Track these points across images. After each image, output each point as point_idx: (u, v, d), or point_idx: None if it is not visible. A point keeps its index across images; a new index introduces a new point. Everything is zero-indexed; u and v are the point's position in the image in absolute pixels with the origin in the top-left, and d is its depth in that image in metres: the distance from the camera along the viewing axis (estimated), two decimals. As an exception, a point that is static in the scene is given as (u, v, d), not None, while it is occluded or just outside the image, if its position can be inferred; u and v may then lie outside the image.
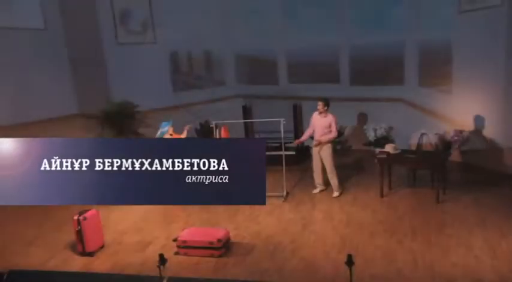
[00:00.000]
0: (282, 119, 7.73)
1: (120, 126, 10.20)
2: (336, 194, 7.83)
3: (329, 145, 7.63)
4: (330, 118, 7.56)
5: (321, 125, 7.60)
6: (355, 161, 10.07)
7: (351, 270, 4.36)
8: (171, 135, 7.76)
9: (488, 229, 6.41)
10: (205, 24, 11.17)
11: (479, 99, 8.84)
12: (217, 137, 7.86)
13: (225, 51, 11.48)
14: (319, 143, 7.65)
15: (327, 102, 7.58)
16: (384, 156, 7.75)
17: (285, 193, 7.99)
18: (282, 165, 7.97)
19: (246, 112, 10.83)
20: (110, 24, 10.23)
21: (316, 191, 8.04)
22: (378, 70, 10.62)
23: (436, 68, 9.88)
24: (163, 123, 7.76)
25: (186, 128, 7.86)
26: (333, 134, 7.57)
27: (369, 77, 10.71)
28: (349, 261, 4.33)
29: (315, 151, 7.79)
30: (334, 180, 7.81)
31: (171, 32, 10.86)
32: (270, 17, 11.11)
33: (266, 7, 11.07)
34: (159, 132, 7.66)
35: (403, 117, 10.22)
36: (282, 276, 5.58)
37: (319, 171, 7.91)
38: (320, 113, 7.61)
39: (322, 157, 7.70)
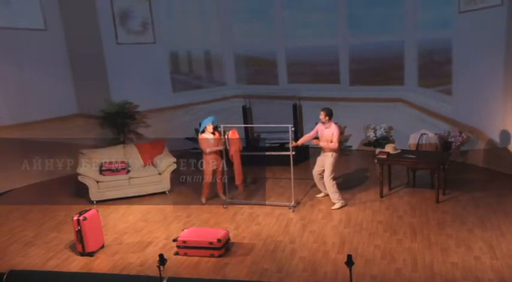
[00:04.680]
0: (290, 125, 7.54)
1: (120, 126, 10.23)
2: (335, 206, 7.44)
3: (332, 154, 7.35)
4: (332, 129, 7.28)
5: (323, 135, 7.38)
6: (355, 161, 10.08)
7: (350, 270, 4.37)
8: (213, 133, 7.72)
9: (488, 229, 6.42)
10: (205, 24, 11.18)
11: (479, 99, 8.84)
12: (226, 140, 7.59)
13: (225, 51, 11.48)
14: (296, 145, 7.60)
15: (328, 112, 7.30)
16: (384, 156, 7.75)
17: (293, 203, 7.67)
18: (288, 170, 7.70)
19: (246, 112, 10.83)
20: (110, 24, 10.23)
21: (319, 195, 7.91)
22: (378, 70, 10.62)
23: (436, 68, 9.89)
24: (206, 120, 7.80)
25: (233, 131, 7.71)
26: (333, 144, 7.26)
27: (369, 77, 10.71)
28: (349, 261, 4.33)
29: (319, 158, 7.62)
30: (330, 191, 7.46)
31: (171, 32, 10.86)
32: (270, 16, 11.10)
33: (266, 7, 11.06)
34: (201, 127, 7.85)
35: (403, 117, 10.22)
36: (282, 276, 5.58)
37: (317, 177, 7.72)
38: (323, 123, 7.38)
39: (324, 165, 7.49)
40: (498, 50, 8.29)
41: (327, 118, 7.32)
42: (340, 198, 7.49)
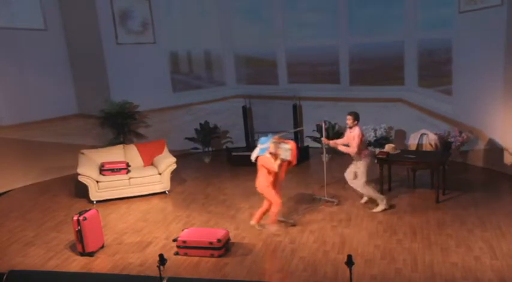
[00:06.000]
0: (322, 122, 7.46)
1: (120, 126, 10.23)
2: (377, 208, 7.27)
3: (362, 162, 7.24)
4: (354, 132, 7.17)
5: (348, 138, 7.31)
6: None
7: (350, 270, 4.37)
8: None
9: (488, 229, 6.42)
10: (205, 24, 11.17)
11: (479, 99, 8.84)
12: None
13: (225, 51, 11.48)
14: (327, 143, 7.63)
15: (356, 117, 7.16)
16: (384, 156, 7.75)
17: (329, 198, 7.71)
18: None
19: (246, 112, 10.83)
20: (110, 24, 10.23)
21: (363, 201, 7.64)
22: (378, 70, 10.62)
23: (436, 68, 9.89)
24: (262, 139, 6.97)
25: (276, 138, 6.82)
26: (351, 148, 7.18)
27: (369, 77, 10.71)
28: (349, 261, 4.33)
29: (351, 165, 7.47)
30: (371, 195, 7.35)
31: (171, 32, 10.86)
32: (270, 17, 11.10)
33: (266, 7, 11.06)
34: (258, 150, 6.90)
35: (403, 117, 10.23)
36: (282, 276, 5.58)
37: (349, 181, 7.55)
38: (349, 127, 7.25)
39: (357, 172, 7.39)
40: (498, 50, 8.30)
41: (355, 122, 7.16)
42: (384, 200, 7.27)
